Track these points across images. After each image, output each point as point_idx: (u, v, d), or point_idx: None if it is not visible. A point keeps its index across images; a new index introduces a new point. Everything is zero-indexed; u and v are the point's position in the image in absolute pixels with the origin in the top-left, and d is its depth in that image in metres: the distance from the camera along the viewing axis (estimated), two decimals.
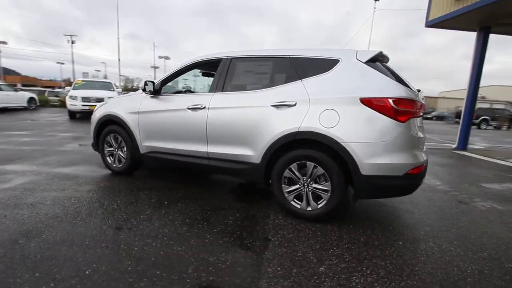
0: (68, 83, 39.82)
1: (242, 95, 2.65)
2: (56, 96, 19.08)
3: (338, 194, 2.22)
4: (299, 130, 2.26)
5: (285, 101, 2.37)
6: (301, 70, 2.43)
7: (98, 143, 3.56)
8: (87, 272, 1.56)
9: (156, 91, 3.07)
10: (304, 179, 2.34)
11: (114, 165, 3.47)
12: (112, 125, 3.41)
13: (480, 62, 6.44)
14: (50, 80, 55.71)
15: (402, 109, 2.08)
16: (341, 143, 2.14)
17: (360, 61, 2.28)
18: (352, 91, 2.19)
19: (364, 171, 2.11)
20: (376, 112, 2.10)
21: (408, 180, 2.15)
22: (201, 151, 2.79)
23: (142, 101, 3.17)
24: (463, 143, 6.91)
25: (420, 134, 2.29)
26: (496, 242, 2.20)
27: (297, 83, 2.40)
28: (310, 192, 2.34)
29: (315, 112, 2.24)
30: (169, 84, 3.22)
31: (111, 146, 3.47)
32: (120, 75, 27.51)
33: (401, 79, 2.33)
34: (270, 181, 2.54)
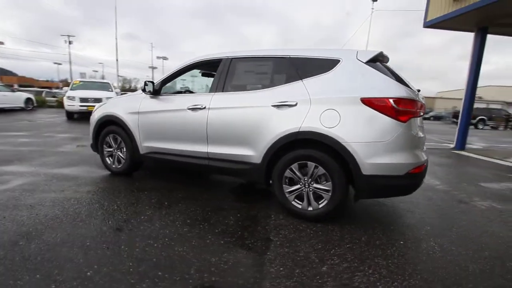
0: (66, 83, 39.65)
1: (243, 95, 2.64)
2: (54, 97, 18.98)
3: (339, 194, 2.22)
4: (300, 130, 2.26)
5: (286, 101, 2.37)
6: (301, 70, 2.43)
7: (97, 144, 3.53)
8: (89, 273, 1.55)
9: (156, 91, 3.06)
10: (305, 179, 2.34)
11: (114, 166, 3.45)
12: (111, 126, 3.39)
13: (478, 62, 6.48)
14: (47, 81, 55.40)
15: (403, 109, 2.09)
16: (342, 143, 2.14)
17: (361, 61, 2.28)
18: (353, 91, 2.20)
19: (365, 171, 2.11)
20: (377, 112, 2.10)
21: (409, 180, 2.16)
22: (201, 151, 2.78)
23: (141, 101, 3.16)
24: (461, 143, 6.95)
25: (421, 134, 2.30)
26: (497, 241, 2.21)
27: (298, 83, 2.40)
28: (311, 192, 2.33)
29: (316, 112, 2.24)
30: (168, 84, 3.21)
31: (110, 146, 3.45)
32: (118, 76, 27.39)
33: (401, 79, 2.34)
34: (270, 181, 2.53)
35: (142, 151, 3.18)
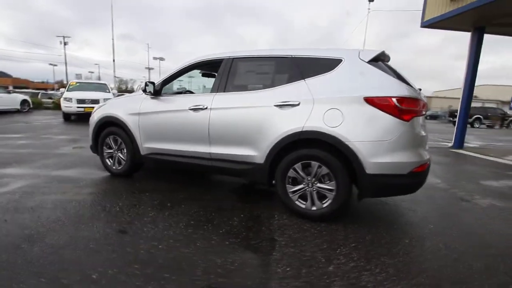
0: (61, 85, 39.30)
1: (245, 95, 2.64)
2: (50, 98, 18.79)
3: (343, 193, 2.22)
4: (303, 129, 2.26)
5: (288, 101, 2.36)
6: (304, 69, 2.43)
7: (97, 145, 3.50)
8: (94, 276, 1.53)
9: (157, 92, 3.05)
10: (309, 178, 2.33)
11: (114, 167, 3.43)
12: (111, 127, 3.37)
13: (475, 62, 6.54)
14: (43, 82, 54.90)
15: (406, 108, 2.10)
16: (346, 142, 2.14)
17: (363, 60, 2.29)
18: (356, 90, 2.20)
19: (369, 170, 2.11)
20: (380, 111, 2.11)
21: (413, 179, 2.17)
22: (203, 151, 2.77)
23: (142, 102, 3.14)
24: (459, 142, 7.01)
25: (423, 133, 2.31)
26: (499, 238, 2.23)
27: (300, 83, 2.40)
28: (314, 192, 2.33)
29: (319, 111, 2.24)
30: (167, 85, 3.19)
31: (110, 148, 3.42)
32: (115, 77, 27.21)
33: (403, 78, 2.34)
34: (273, 182, 2.53)
35: (143, 152, 3.16)
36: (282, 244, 1.98)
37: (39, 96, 19.44)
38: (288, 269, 1.68)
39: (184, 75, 3.16)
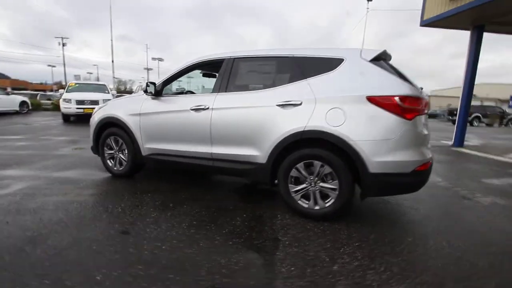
0: (60, 86, 39.17)
1: (246, 95, 2.63)
2: (49, 100, 18.75)
3: (345, 193, 2.22)
4: (306, 129, 2.26)
5: (290, 101, 2.36)
6: (305, 69, 2.43)
7: (98, 146, 3.49)
8: (98, 277, 1.52)
9: (158, 92, 3.04)
10: (311, 178, 2.33)
11: (115, 168, 3.41)
12: (112, 128, 3.36)
13: (475, 60, 6.55)
14: (41, 84, 54.71)
15: (409, 107, 2.10)
16: (348, 142, 2.14)
17: (365, 59, 2.28)
18: (358, 89, 2.20)
19: (372, 169, 2.11)
20: (383, 110, 2.10)
21: (416, 177, 2.16)
22: (205, 152, 2.76)
23: (143, 102, 3.13)
24: (460, 140, 7.02)
25: (426, 131, 2.31)
26: (502, 236, 2.23)
27: (302, 83, 2.40)
28: (317, 191, 2.33)
29: (321, 111, 2.24)
30: (167, 86, 3.18)
31: (111, 148, 3.41)
32: (114, 77, 27.15)
33: (404, 76, 2.35)
34: (275, 181, 2.53)
35: (144, 153, 3.15)
36: (286, 243, 1.98)
37: (38, 98, 19.38)
38: (292, 268, 1.68)
39: (183, 75, 3.15)
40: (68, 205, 2.52)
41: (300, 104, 2.33)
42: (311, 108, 2.28)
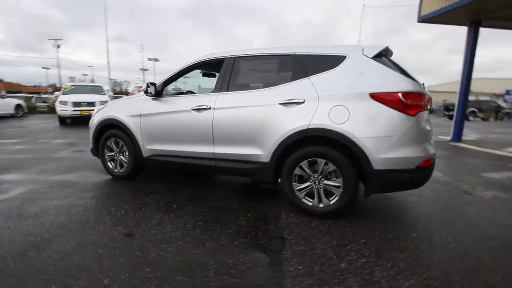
0: (55, 88, 38.81)
1: (249, 94, 2.61)
2: (44, 102, 18.55)
3: (350, 190, 2.22)
4: (309, 127, 2.25)
5: (293, 99, 2.35)
6: (308, 67, 2.42)
7: (98, 148, 3.46)
8: (106, 281, 1.51)
9: (158, 93, 3.01)
10: (315, 176, 2.33)
11: (116, 170, 3.39)
12: (112, 129, 3.33)
13: (472, 56, 6.59)
14: (35, 86, 54.12)
15: (412, 103, 2.10)
16: (352, 139, 2.14)
17: (367, 56, 2.28)
18: (361, 86, 2.19)
19: (376, 165, 2.11)
20: (386, 107, 2.10)
21: (419, 173, 2.17)
22: (207, 152, 2.74)
23: (143, 103, 3.10)
24: (458, 135, 7.07)
25: (428, 127, 2.31)
26: (505, 229, 2.25)
27: (305, 81, 2.39)
28: (321, 189, 2.33)
29: (324, 108, 2.24)
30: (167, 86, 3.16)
31: (111, 150, 3.38)
32: (110, 79, 26.92)
33: (407, 72, 2.34)
34: (279, 180, 2.52)
35: (145, 154, 3.13)
36: (292, 242, 1.97)
37: (33, 100, 19.18)
38: (300, 267, 1.68)
39: (183, 75, 3.13)
40: (69, 208, 2.49)
41: (303, 102, 2.32)
42: (314, 106, 2.27)
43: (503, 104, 21.42)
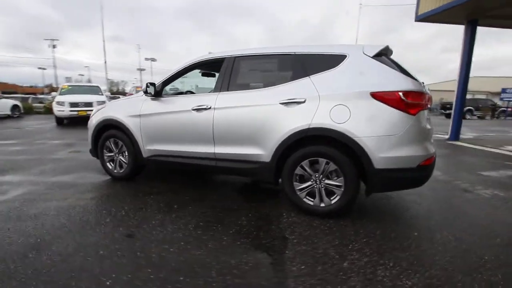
0: (51, 88, 38.52)
1: (249, 94, 2.61)
2: (41, 103, 18.42)
3: (351, 189, 2.22)
4: (310, 126, 2.25)
5: (294, 98, 2.35)
6: (308, 66, 2.42)
7: (97, 149, 3.44)
8: (108, 283, 1.50)
9: (157, 93, 2.99)
10: (316, 175, 2.33)
11: (115, 171, 3.37)
12: (111, 130, 3.31)
13: (469, 54, 6.62)
14: (31, 87, 53.65)
15: (412, 102, 2.10)
16: (353, 138, 2.14)
17: (367, 55, 2.28)
18: (362, 85, 2.20)
19: (377, 164, 2.12)
20: (387, 106, 2.11)
21: (420, 172, 2.18)
22: (208, 152, 2.74)
23: (143, 104, 3.08)
24: (455, 134, 7.10)
25: (429, 126, 2.32)
26: (506, 228, 2.26)
27: (305, 80, 2.39)
28: (322, 188, 2.33)
29: (325, 108, 2.23)
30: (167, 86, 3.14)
31: (111, 151, 3.36)
32: (107, 79, 26.78)
33: (407, 72, 2.35)
34: (279, 180, 2.52)
35: (145, 155, 3.11)
36: (294, 242, 1.97)
37: (29, 101, 19.03)
38: (302, 267, 1.67)
39: (183, 75, 3.11)
40: (69, 209, 2.47)
41: (304, 101, 2.32)
42: (315, 105, 2.27)
43: (499, 103, 21.58)
